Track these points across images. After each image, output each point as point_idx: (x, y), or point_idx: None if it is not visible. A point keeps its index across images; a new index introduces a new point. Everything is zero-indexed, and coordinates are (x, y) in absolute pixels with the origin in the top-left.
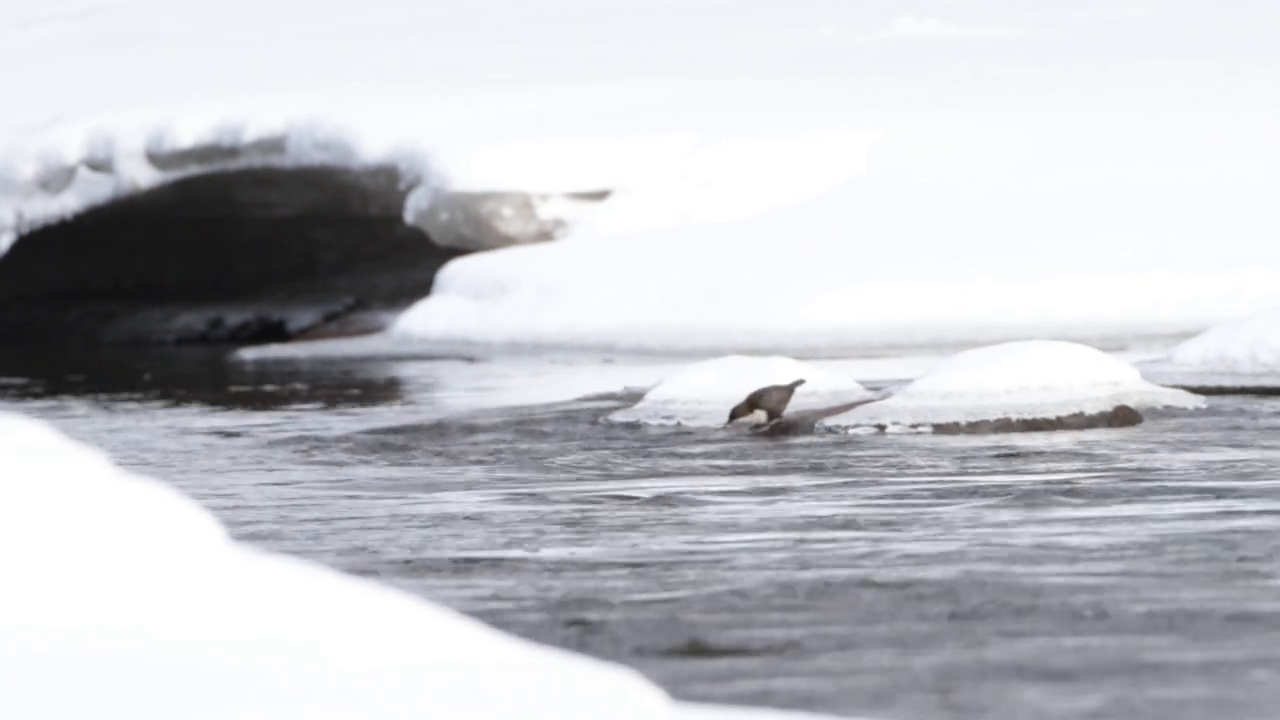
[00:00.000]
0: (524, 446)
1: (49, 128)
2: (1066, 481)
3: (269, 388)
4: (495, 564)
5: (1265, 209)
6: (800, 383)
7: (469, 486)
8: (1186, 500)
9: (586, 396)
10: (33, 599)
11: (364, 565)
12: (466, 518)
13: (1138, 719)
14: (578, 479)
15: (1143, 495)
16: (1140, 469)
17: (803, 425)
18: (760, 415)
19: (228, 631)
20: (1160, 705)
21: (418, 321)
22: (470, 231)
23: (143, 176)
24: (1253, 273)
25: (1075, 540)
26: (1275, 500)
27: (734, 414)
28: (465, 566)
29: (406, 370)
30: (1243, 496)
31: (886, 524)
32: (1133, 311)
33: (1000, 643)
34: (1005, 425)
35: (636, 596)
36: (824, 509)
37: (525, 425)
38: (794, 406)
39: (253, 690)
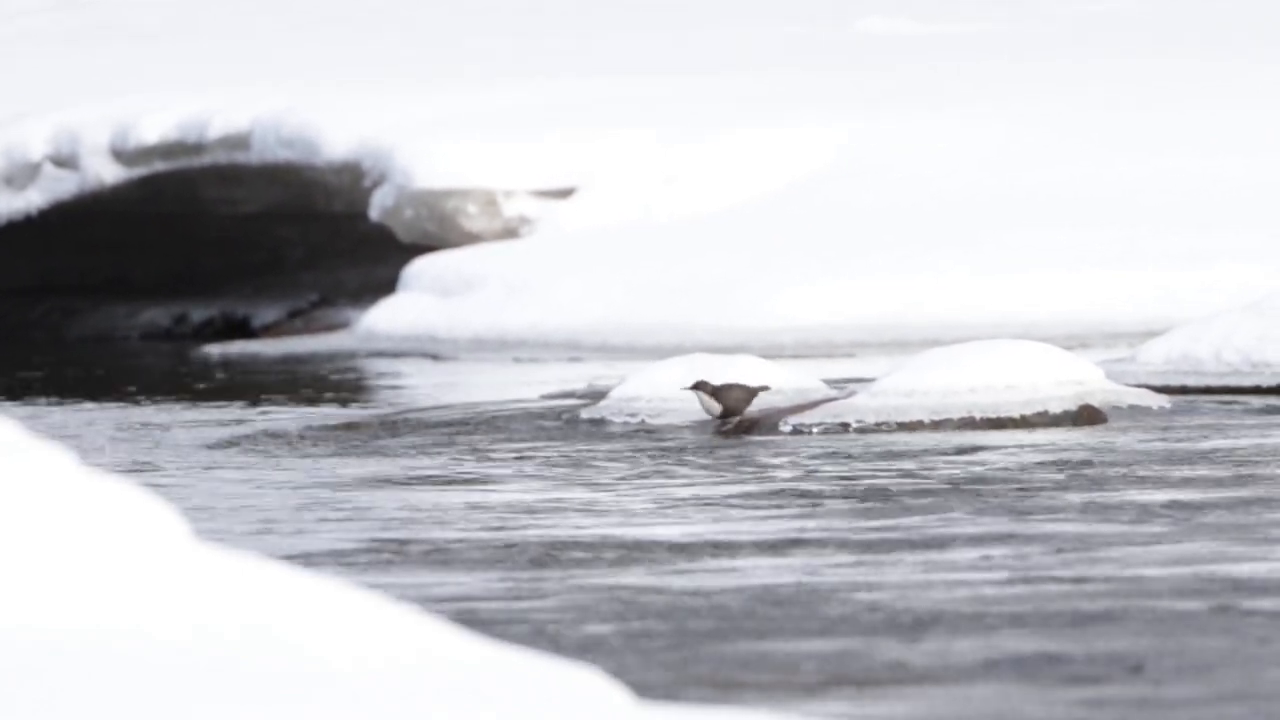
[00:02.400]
0: (485, 443)
1: (13, 124)
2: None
3: (233, 384)
4: (465, 559)
5: (1241, 203)
6: (765, 389)
7: (431, 483)
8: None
9: (551, 394)
10: (15, 599)
11: (329, 560)
12: (428, 514)
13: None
14: (542, 477)
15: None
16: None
17: (766, 423)
18: (714, 405)
19: (219, 632)
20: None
21: (383, 318)
22: (435, 228)
23: (108, 173)
24: (1226, 267)
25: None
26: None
27: (698, 384)
28: (433, 562)
29: (371, 367)
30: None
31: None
32: (1104, 306)
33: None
34: (969, 424)
35: (598, 592)
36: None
37: (487, 422)
38: (759, 404)
39: (254, 690)
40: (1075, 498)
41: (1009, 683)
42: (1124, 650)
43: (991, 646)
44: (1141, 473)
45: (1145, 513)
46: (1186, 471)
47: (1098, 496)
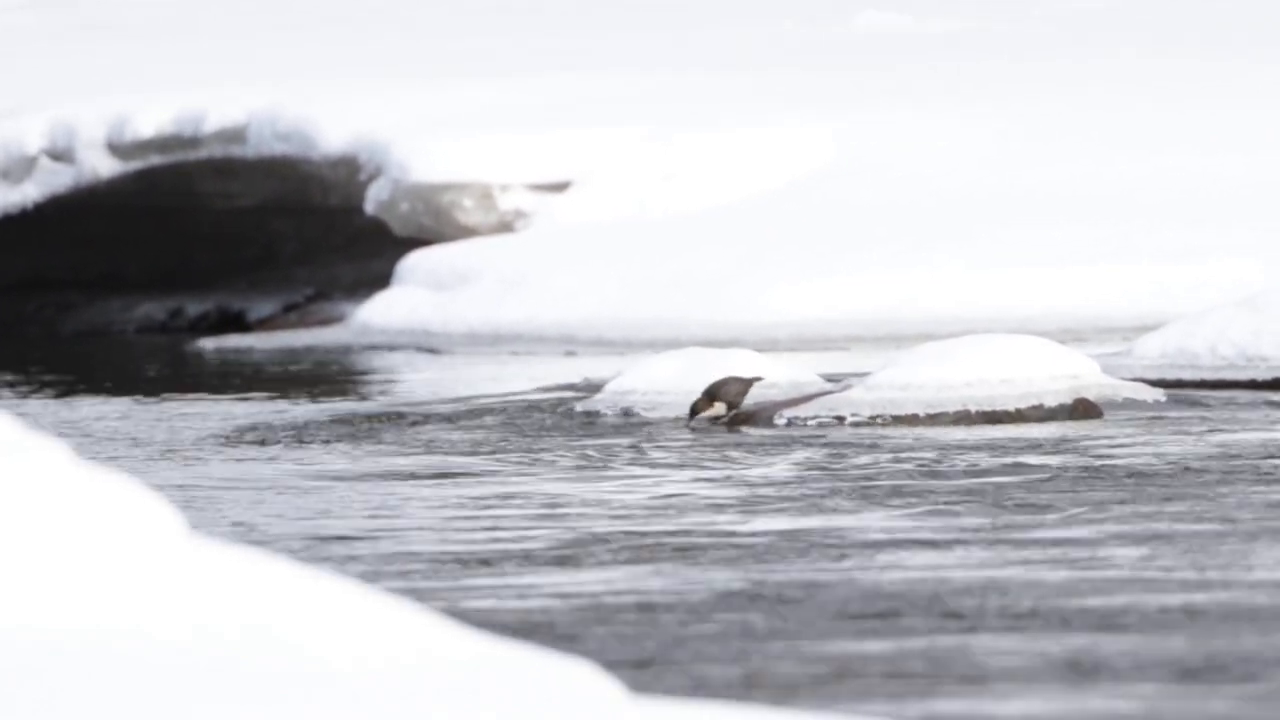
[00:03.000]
0: (486, 438)
1: (9, 117)
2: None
3: (228, 378)
4: (453, 555)
5: (1236, 201)
6: (759, 379)
7: (434, 478)
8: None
9: (545, 388)
10: (14, 598)
11: (331, 557)
12: (434, 509)
13: None
14: (544, 473)
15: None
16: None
17: (761, 417)
18: (720, 408)
19: (218, 631)
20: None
21: (378, 312)
22: (431, 222)
23: (103, 166)
24: (1216, 265)
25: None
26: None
27: (694, 409)
28: (427, 558)
29: (366, 361)
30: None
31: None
32: (1095, 303)
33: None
34: (964, 418)
35: (590, 592)
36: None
37: (485, 416)
38: (753, 398)
39: (253, 689)
40: (1141, 493)
41: (1104, 684)
42: (1239, 650)
43: (1067, 645)
44: (1193, 465)
45: (1224, 505)
46: (1236, 467)
47: (1167, 491)
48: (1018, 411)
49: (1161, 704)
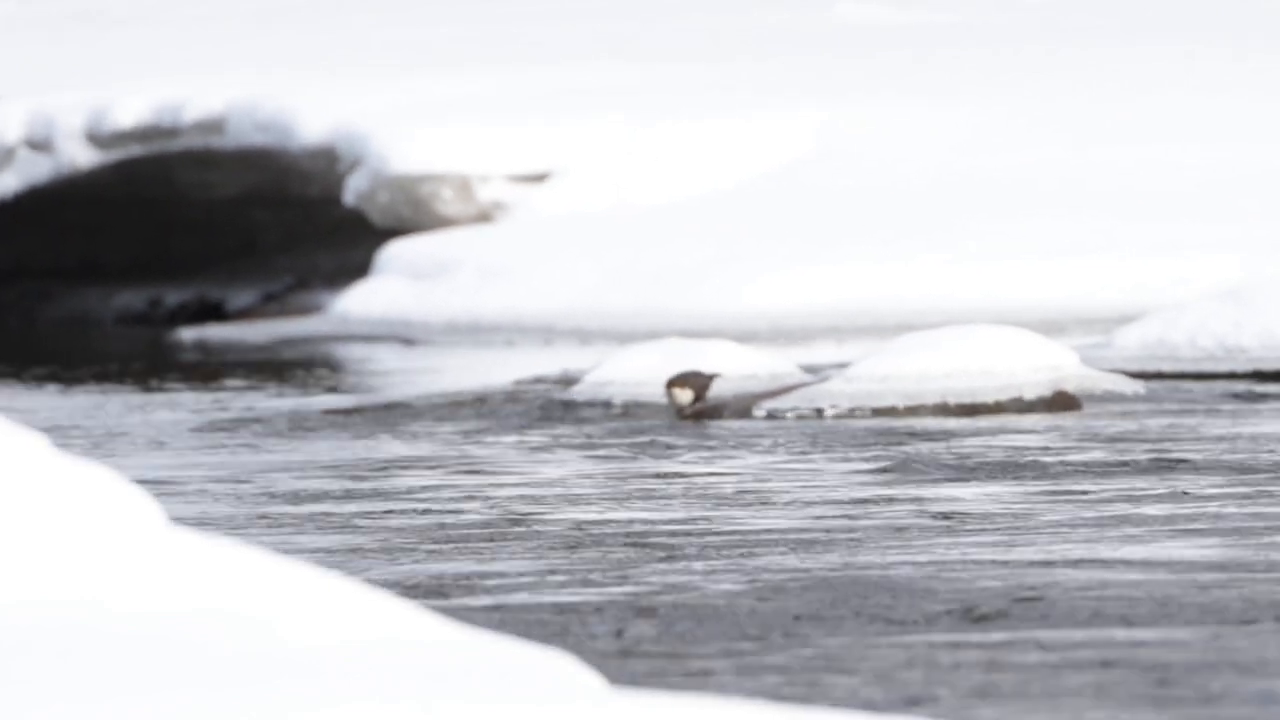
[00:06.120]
0: (457, 428)
1: None
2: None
3: (207, 367)
4: (438, 544)
5: (1211, 194)
6: (717, 376)
7: (405, 467)
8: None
9: (524, 379)
10: None
11: (309, 546)
12: (424, 500)
13: None
14: (533, 461)
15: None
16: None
17: (737, 407)
18: (687, 395)
19: (180, 611)
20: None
21: (357, 302)
22: (410, 213)
23: (83, 157)
24: (1196, 258)
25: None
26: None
27: (671, 383)
28: (410, 547)
29: (345, 351)
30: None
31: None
32: (1075, 295)
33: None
34: (943, 409)
35: (570, 580)
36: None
37: (461, 407)
38: (732, 389)
39: (211, 667)
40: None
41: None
42: None
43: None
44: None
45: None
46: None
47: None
48: (996, 404)
49: None
